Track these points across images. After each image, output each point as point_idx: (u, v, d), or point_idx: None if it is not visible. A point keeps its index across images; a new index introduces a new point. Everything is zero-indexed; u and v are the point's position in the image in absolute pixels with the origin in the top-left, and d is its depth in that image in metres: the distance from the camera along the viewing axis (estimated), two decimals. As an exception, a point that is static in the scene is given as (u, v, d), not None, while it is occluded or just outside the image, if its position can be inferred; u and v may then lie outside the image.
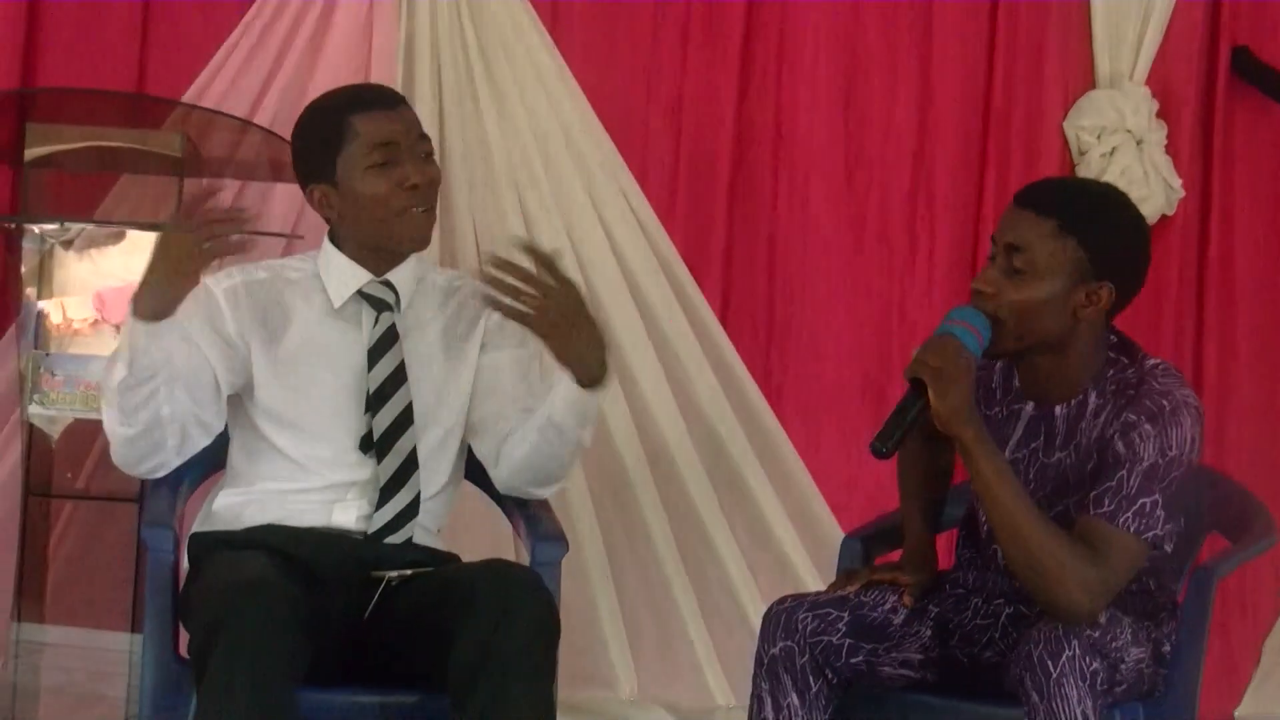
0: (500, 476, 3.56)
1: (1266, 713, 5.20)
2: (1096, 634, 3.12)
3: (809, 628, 3.31)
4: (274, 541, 3.35)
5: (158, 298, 3.20)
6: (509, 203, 4.85)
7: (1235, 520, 3.66)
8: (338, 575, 3.34)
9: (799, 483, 4.99)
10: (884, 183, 5.18)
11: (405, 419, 3.47)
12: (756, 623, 3.51)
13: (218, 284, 3.49)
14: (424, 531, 3.49)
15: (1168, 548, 3.30)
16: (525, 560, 3.54)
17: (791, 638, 3.31)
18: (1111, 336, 3.33)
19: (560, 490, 3.68)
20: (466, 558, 3.54)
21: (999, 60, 5.20)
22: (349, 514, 3.44)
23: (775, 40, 5.13)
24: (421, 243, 3.52)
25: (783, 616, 3.33)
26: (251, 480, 3.50)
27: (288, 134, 4.47)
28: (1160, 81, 5.23)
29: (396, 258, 3.53)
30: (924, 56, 5.19)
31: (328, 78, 4.72)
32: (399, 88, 4.65)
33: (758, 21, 5.12)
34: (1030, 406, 3.37)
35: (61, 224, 4.28)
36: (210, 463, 3.61)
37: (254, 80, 4.73)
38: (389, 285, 3.52)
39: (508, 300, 3.27)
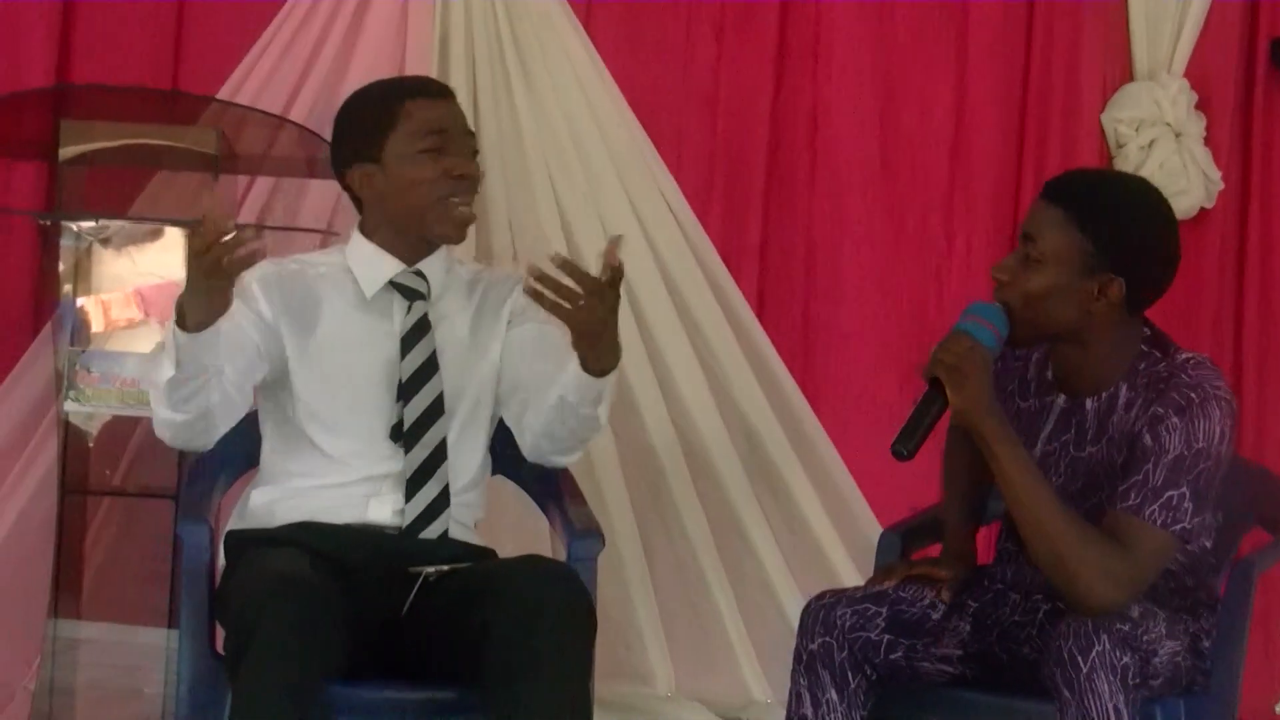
0: (525, 445, 3.53)
1: (1309, 706, 5.18)
2: (1127, 627, 3.10)
3: (847, 623, 3.30)
4: (309, 538, 3.34)
5: (198, 310, 3.19)
6: (543, 197, 4.85)
7: (1276, 513, 3.64)
8: (374, 571, 3.34)
9: (836, 477, 4.98)
10: (920, 177, 5.17)
11: (436, 409, 3.46)
12: (794, 618, 3.49)
13: (250, 273, 3.45)
14: (460, 526, 3.48)
15: (1206, 542, 3.29)
16: (561, 556, 3.53)
17: (830, 633, 3.30)
18: (1145, 330, 3.30)
19: (594, 483, 3.67)
20: (503, 553, 3.53)
21: (1036, 52, 5.19)
22: (384, 509, 3.44)
23: (810, 33, 5.12)
24: (456, 236, 3.51)
25: (821, 612, 3.32)
26: (285, 477, 3.49)
27: (322, 130, 4.50)
28: (1199, 73, 5.21)
29: (427, 248, 3.52)
30: (960, 49, 5.18)
31: (362, 73, 4.72)
32: (434, 83, 4.66)
33: (793, 14, 5.12)
34: (1062, 399, 3.35)
35: (96, 220, 4.28)
36: (246, 460, 3.62)
37: (288, 76, 4.73)
38: (420, 275, 3.52)
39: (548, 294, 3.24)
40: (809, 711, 3.29)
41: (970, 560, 3.52)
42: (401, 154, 3.44)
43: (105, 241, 4.30)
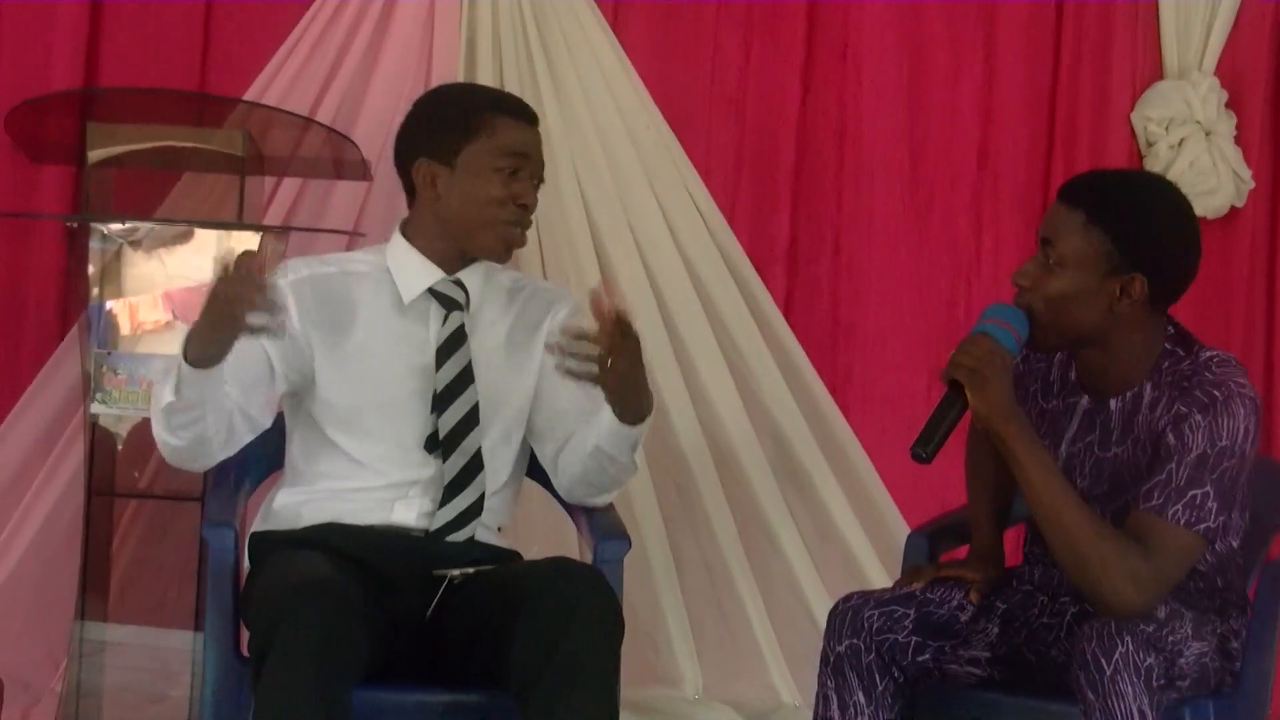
0: (561, 487, 3.58)
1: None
2: (1151, 628, 3.09)
3: (875, 625, 3.29)
4: (334, 540, 3.34)
5: (205, 345, 3.18)
6: (571, 198, 4.84)
7: (1309, 515, 3.61)
8: (398, 574, 3.33)
9: (864, 478, 4.97)
10: (949, 177, 5.16)
11: (471, 419, 3.46)
12: (822, 620, 3.48)
13: (283, 277, 3.45)
14: (485, 529, 3.48)
15: (1234, 541, 3.28)
16: (588, 558, 3.52)
17: (858, 635, 3.29)
18: (1169, 328, 3.29)
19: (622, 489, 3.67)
20: (529, 555, 3.53)
21: (1065, 51, 5.17)
22: (410, 512, 3.43)
23: (839, 34, 5.11)
24: (503, 257, 3.50)
25: (849, 614, 3.31)
26: (311, 479, 3.49)
27: (349, 131, 4.51)
28: (1229, 71, 5.18)
29: (468, 259, 3.51)
30: (988, 48, 5.16)
31: (389, 75, 4.75)
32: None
33: (821, 15, 5.11)
34: (1085, 400, 3.34)
35: (123, 222, 4.29)
36: (271, 461, 3.62)
37: (315, 78, 4.73)
38: (460, 285, 3.51)
39: (574, 365, 3.24)
40: (836, 714, 3.28)
41: (998, 561, 3.51)
42: (476, 165, 3.43)
43: (136, 245, 4.30)
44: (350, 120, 4.69)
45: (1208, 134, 5.10)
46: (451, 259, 3.50)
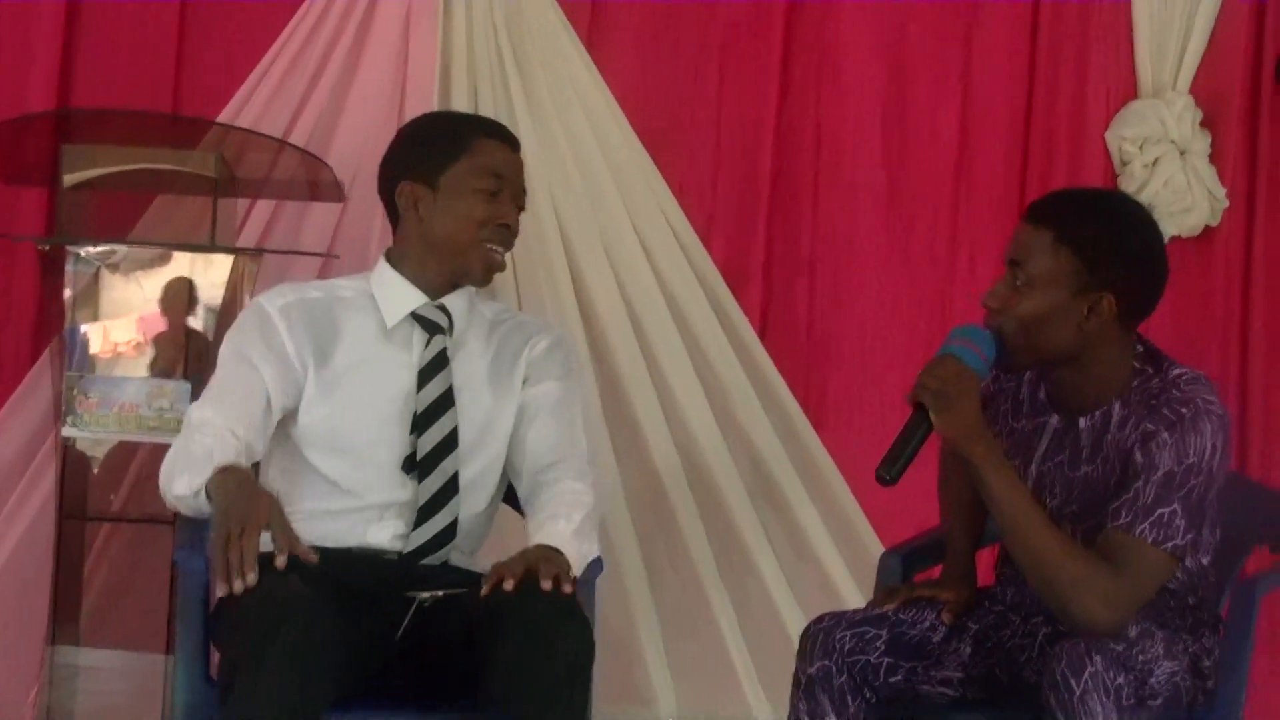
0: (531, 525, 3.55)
1: (1319, 728, 5.15)
2: (1121, 647, 3.09)
3: (847, 647, 3.29)
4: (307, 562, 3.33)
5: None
6: (546, 218, 4.84)
7: (1281, 534, 3.62)
8: (371, 595, 3.32)
9: (839, 498, 4.96)
10: (926, 196, 5.16)
11: (450, 442, 3.46)
12: (797, 639, 3.48)
13: (271, 302, 3.48)
14: (459, 553, 3.48)
15: (1204, 559, 3.28)
16: (562, 578, 3.51)
17: (829, 657, 3.29)
18: (1138, 347, 3.29)
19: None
20: (502, 576, 3.51)
21: (1041, 71, 5.18)
22: (384, 533, 3.43)
23: (816, 53, 5.12)
24: (483, 279, 3.53)
25: (820, 636, 3.31)
26: (288, 501, 3.45)
27: (323, 154, 4.51)
28: (1204, 91, 5.19)
29: (451, 285, 3.53)
30: (965, 68, 5.17)
31: (364, 98, 4.75)
32: (435, 106, 4.66)
33: (797, 35, 5.11)
34: (1055, 419, 3.34)
35: (95, 245, 4.28)
36: (245, 484, 3.60)
37: (289, 101, 4.74)
38: (443, 310, 3.52)
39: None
40: (808, 735, 3.28)
41: (972, 582, 3.51)
42: (458, 185, 3.46)
43: (114, 268, 4.30)
44: (325, 142, 4.69)
45: (1182, 153, 5.11)
46: (436, 284, 3.51)
